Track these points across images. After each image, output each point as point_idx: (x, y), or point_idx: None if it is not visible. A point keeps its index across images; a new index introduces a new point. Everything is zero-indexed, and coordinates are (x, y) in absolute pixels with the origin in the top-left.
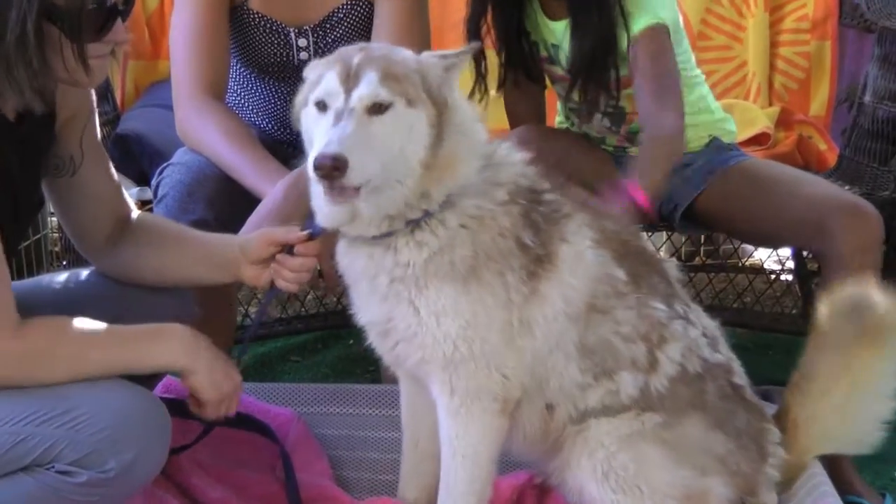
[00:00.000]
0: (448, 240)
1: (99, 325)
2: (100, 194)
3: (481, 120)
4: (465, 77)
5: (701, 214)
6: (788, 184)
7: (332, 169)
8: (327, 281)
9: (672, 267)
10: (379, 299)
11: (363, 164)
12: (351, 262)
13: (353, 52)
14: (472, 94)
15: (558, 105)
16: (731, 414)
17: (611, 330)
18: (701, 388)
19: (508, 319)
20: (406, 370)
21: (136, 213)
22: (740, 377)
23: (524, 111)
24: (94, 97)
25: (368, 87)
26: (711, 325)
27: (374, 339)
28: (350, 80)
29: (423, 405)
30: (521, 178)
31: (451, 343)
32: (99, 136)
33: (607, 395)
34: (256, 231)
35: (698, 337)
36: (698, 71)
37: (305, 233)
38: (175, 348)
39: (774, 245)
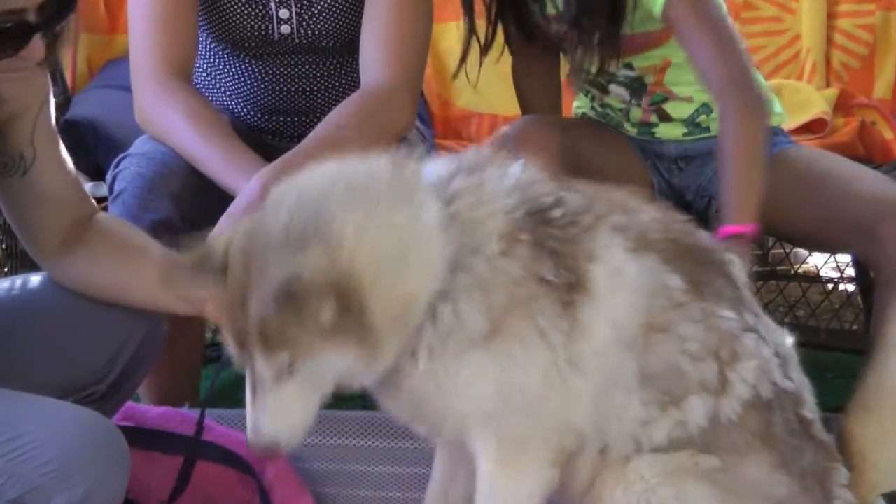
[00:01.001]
0: (458, 320)
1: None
2: (56, 194)
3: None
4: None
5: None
6: (838, 178)
7: (271, 453)
8: None
9: (737, 266)
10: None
11: (292, 440)
12: None
13: (236, 304)
14: (457, 74)
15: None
16: (797, 451)
17: (676, 349)
18: (769, 419)
19: (552, 361)
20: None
21: (98, 213)
22: (811, 409)
23: (538, 96)
24: (50, 85)
25: (260, 363)
26: (784, 341)
27: (386, 404)
28: (245, 352)
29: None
30: (512, 211)
31: (483, 403)
32: (54, 127)
33: (675, 428)
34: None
35: (770, 357)
36: None
37: None
38: None
39: (824, 249)
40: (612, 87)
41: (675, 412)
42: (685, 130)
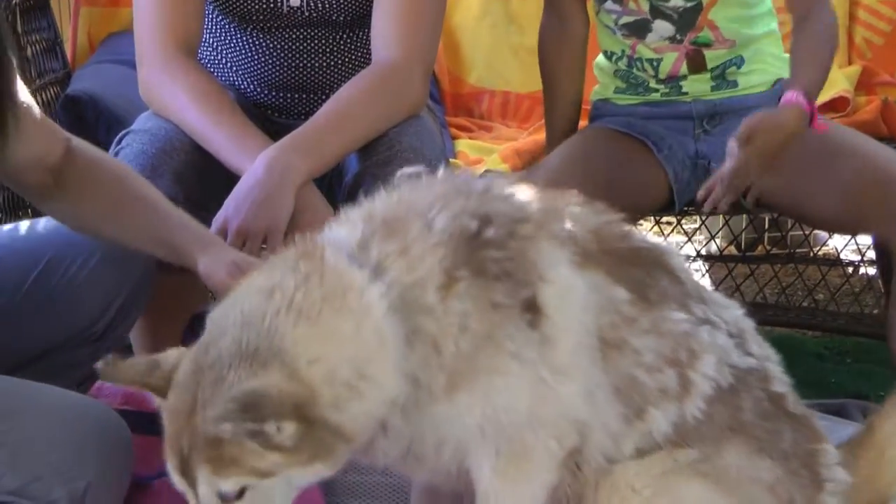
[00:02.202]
0: (420, 393)
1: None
2: (23, 146)
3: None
4: None
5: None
6: (860, 157)
7: None
8: None
9: (674, 255)
10: None
11: None
12: None
13: (181, 423)
14: None
15: (598, 59)
16: (774, 434)
17: (633, 363)
18: (736, 406)
19: (536, 377)
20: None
21: (83, 150)
22: (780, 382)
23: (565, 63)
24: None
25: (205, 488)
26: (733, 315)
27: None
28: (188, 475)
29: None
30: (435, 252)
31: (478, 429)
32: (15, 78)
33: (640, 439)
34: (220, 256)
35: (726, 341)
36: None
37: None
38: None
39: (843, 231)
40: (657, 24)
41: (639, 424)
42: (713, 84)
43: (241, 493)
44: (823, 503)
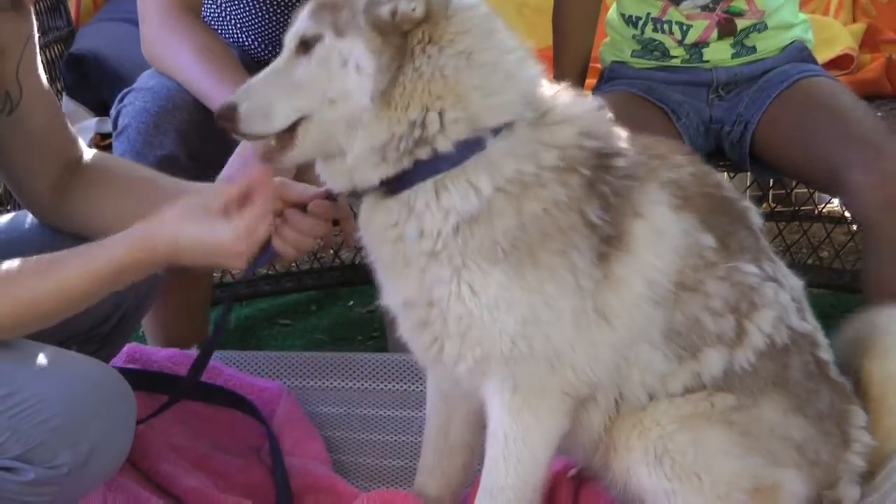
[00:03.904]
0: (483, 208)
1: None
2: (43, 134)
3: (528, 56)
4: None
5: (760, 142)
6: (835, 119)
7: (225, 119)
8: (348, 244)
9: (755, 213)
10: (408, 273)
11: (253, 113)
12: (368, 222)
13: None
14: None
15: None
16: (813, 394)
17: (700, 306)
18: (785, 363)
19: (581, 308)
20: (450, 374)
21: (89, 154)
22: (826, 351)
23: (577, 15)
24: (34, 21)
25: (296, 24)
26: (798, 285)
27: (407, 331)
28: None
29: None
30: (586, 139)
31: (509, 339)
32: (40, 66)
33: (690, 378)
34: (268, 177)
35: (788, 302)
36: None
37: (323, 189)
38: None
39: (818, 188)
40: None
41: (692, 364)
42: (733, 51)
43: (312, 45)
44: (849, 462)
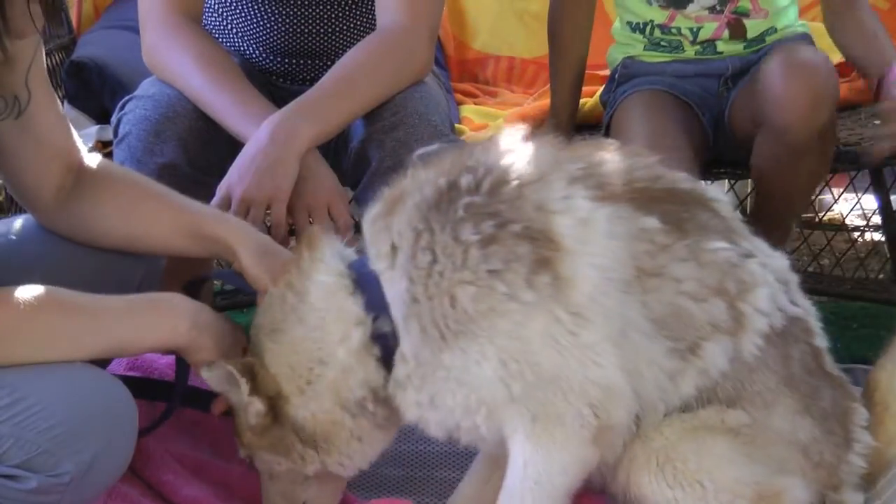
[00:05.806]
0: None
1: (76, 297)
2: (49, 138)
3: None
4: None
5: (734, 119)
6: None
7: None
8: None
9: (715, 195)
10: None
11: None
12: None
13: None
14: None
15: (617, 28)
16: (816, 391)
17: (674, 292)
18: (786, 354)
19: (549, 319)
20: (478, 440)
21: (93, 158)
22: (820, 337)
23: (573, 22)
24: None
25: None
26: (782, 264)
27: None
28: None
29: None
30: (414, 222)
31: (500, 384)
32: (45, 70)
33: (699, 377)
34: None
35: (774, 283)
36: None
37: None
38: (177, 323)
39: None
40: None
41: (696, 361)
42: (749, 48)
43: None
44: (851, 462)
